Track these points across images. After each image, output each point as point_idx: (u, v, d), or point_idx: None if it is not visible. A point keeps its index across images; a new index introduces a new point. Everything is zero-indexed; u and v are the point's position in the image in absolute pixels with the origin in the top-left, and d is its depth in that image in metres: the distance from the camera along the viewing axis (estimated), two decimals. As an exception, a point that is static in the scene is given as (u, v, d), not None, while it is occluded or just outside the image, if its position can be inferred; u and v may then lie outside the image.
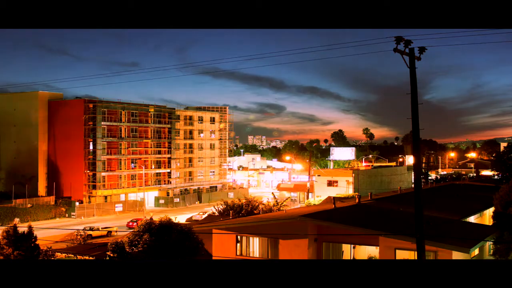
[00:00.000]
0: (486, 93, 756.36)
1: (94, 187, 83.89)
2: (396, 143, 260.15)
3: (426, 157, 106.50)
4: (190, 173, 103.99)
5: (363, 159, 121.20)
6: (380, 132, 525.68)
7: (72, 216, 76.05)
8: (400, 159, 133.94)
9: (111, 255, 31.12)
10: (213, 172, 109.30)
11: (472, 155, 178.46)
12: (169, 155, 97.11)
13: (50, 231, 54.10)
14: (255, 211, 50.88)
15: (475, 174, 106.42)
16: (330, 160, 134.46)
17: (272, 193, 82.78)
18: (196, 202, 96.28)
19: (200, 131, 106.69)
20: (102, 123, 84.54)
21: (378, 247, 27.84)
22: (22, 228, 32.33)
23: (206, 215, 61.05)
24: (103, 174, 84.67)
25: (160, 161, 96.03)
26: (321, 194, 75.87)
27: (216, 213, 54.25)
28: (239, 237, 31.57)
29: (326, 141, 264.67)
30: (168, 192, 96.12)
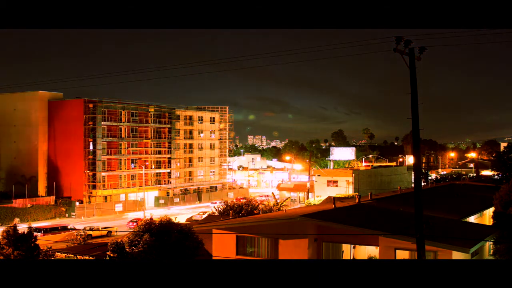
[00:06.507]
0: (485, 93, 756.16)
1: (94, 187, 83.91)
2: (396, 143, 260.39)
3: (426, 157, 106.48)
4: (190, 173, 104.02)
5: (363, 159, 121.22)
6: (380, 132, 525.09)
7: (72, 216, 76.06)
8: (400, 159, 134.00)
9: (111, 255, 31.13)
10: (213, 172, 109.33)
11: (472, 155, 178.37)
12: (169, 155, 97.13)
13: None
14: (255, 211, 50.90)
15: (475, 174, 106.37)
16: (330, 160, 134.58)
17: (272, 193, 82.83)
18: (196, 202, 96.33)
19: (200, 131, 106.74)
20: (102, 123, 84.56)
21: (378, 247, 27.84)
22: (22, 228, 32.34)
23: (206, 215, 61.07)
24: (103, 174, 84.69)
25: (160, 161, 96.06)
26: (321, 194, 75.88)
27: (216, 213, 54.29)
28: (239, 237, 31.57)
29: (326, 141, 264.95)
30: (168, 192, 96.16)
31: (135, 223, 57.62)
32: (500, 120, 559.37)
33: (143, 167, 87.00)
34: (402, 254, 26.32)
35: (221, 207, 54.51)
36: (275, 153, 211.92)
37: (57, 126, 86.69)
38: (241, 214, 49.11)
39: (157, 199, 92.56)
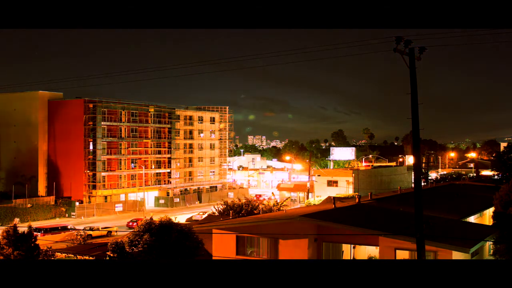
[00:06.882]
0: (485, 93, 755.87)
1: (94, 187, 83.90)
2: (396, 143, 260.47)
3: (426, 157, 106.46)
4: (190, 173, 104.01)
5: (363, 159, 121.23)
6: (380, 132, 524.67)
7: (72, 216, 76.07)
8: (400, 159, 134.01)
9: (111, 255, 31.12)
10: (213, 172, 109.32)
11: (472, 155, 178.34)
12: (169, 155, 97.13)
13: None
14: (255, 211, 50.88)
15: (475, 174, 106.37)
16: (330, 160, 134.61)
17: (272, 193, 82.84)
18: (196, 202, 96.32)
19: (200, 131, 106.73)
20: (102, 123, 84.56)
21: (378, 247, 27.85)
22: (22, 228, 32.33)
23: (206, 215, 61.06)
24: (103, 174, 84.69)
25: (160, 161, 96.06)
26: (321, 194, 75.87)
27: (216, 213, 54.27)
28: (239, 237, 31.58)
29: (326, 141, 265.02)
30: (168, 192, 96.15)
31: (135, 223, 57.63)
32: (500, 120, 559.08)
33: (143, 167, 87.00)
34: (402, 254, 26.32)
35: (221, 207, 54.48)
36: (275, 153, 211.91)
37: (57, 126, 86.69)
38: (241, 214, 49.10)
39: (157, 199, 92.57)
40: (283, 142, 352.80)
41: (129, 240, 30.34)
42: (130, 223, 62.82)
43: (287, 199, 69.20)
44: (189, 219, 64.98)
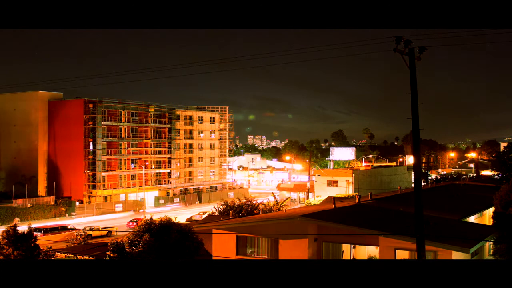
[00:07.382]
0: (485, 93, 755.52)
1: (94, 187, 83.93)
2: (396, 143, 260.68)
3: (426, 157, 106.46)
4: (190, 173, 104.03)
5: (363, 159, 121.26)
6: (380, 132, 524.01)
7: (72, 216, 76.06)
8: (400, 159, 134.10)
9: (111, 255, 31.13)
10: (213, 172, 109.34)
11: (472, 155, 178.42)
12: (169, 155, 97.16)
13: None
14: (255, 211, 50.88)
15: (475, 174, 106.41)
16: (330, 160, 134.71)
17: (272, 193, 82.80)
18: (196, 202, 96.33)
19: (200, 131, 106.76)
20: (102, 123, 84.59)
21: (378, 247, 27.86)
22: (22, 228, 32.34)
23: (206, 215, 61.07)
24: (103, 174, 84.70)
25: (160, 161, 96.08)
26: (321, 194, 75.89)
27: (216, 213, 54.28)
28: (239, 237, 31.58)
29: (326, 141, 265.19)
30: (168, 192, 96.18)
31: (135, 223, 57.64)
32: (500, 120, 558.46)
33: (143, 167, 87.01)
34: (402, 254, 26.33)
35: (221, 207, 54.48)
36: (275, 153, 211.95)
37: (57, 126, 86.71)
38: (241, 214, 49.10)
39: (157, 199, 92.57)
40: (283, 142, 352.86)
41: (129, 240, 30.35)
42: (130, 223, 62.83)
43: (287, 199, 69.19)
44: (189, 219, 64.99)
